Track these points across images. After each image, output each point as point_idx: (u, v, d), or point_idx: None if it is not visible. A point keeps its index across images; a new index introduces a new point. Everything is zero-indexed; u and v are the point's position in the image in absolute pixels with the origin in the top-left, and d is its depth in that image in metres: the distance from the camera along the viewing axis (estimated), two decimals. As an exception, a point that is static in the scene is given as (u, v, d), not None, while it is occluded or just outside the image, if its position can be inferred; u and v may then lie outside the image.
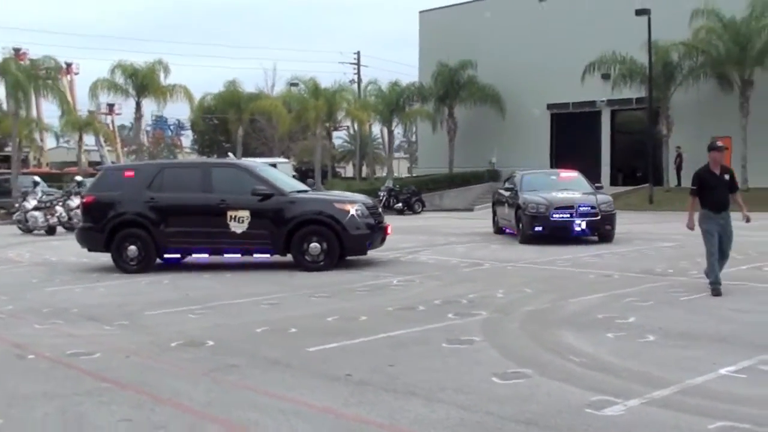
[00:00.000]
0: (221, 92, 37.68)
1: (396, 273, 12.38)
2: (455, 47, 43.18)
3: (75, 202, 23.35)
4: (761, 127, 32.62)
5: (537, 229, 16.31)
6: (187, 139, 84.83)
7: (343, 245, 12.88)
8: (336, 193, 15.81)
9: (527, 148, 42.29)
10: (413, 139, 75.61)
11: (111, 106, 62.71)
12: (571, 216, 16.20)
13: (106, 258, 14.51)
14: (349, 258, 13.44)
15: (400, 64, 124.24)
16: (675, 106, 35.55)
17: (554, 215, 16.22)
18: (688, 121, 35.81)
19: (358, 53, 67.74)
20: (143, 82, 33.72)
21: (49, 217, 22.47)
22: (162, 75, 34.06)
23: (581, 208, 16.23)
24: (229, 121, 41.46)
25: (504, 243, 17.18)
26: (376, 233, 13.28)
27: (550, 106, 42.18)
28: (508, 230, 18.95)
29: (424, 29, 48.19)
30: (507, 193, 18.12)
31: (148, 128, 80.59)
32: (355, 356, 6.93)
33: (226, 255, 13.41)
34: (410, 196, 34.81)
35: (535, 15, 42.17)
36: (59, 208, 22.79)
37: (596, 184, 18.23)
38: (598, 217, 16.21)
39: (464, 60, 42.36)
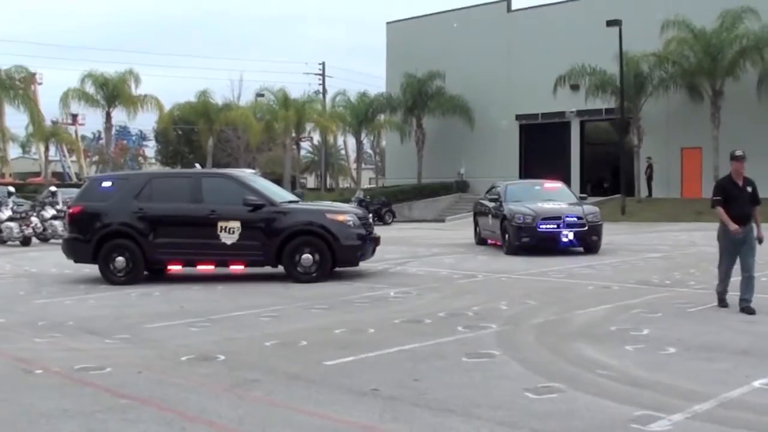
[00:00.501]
0: (191, 103, 37.23)
1: (390, 285, 12.24)
2: (423, 58, 43.25)
3: (49, 212, 22.86)
4: (732, 137, 33.05)
5: (524, 240, 16.30)
6: (149, 149, 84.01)
7: (336, 256, 12.72)
8: (327, 204, 15.63)
9: (496, 159, 42.52)
10: (377, 150, 75.54)
11: (74, 117, 61.71)
12: (558, 227, 16.22)
13: (89, 269, 14.20)
14: (338, 269, 13.27)
15: (365, 75, 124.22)
16: (645, 116, 35.96)
17: (541, 226, 16.22)
18: (657, 131, 36.31)
19: (323, 64, 67.71)
20: (114, 92, 33.17)
21: (24, 227, 21.93)
22: (133, 85, 33.57)
23: (568, 219, 16.26)
24: (196, 131, 41.01)
25: (490, 254, 17.14)
26: (368, 244, 13.14)
27: (518, 117, 42.42)
28: (490, 241, 18.93)
29: (391, 40, 48.20)
30: (491, 204, 18.09)
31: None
32: (375, 370, 6.77)
33: (214, 267, 13.13)
34: (381, 207, 34.73)
35: (503, 26, 42.46)
36: (34, 219, 22.27)
37: (580, 195, 18.26)
38: (585, 228, 16.26)
39: (432, 71, 42.46)
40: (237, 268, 13.15)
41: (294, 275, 12.61)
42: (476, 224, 19.95)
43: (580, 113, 40.21)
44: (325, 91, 59.63)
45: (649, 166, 36.75)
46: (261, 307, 10.26)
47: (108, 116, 34.56)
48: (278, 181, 54.92)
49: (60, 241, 22.36)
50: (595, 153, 42.56)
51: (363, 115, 43.74)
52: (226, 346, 7.92)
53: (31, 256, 18.98)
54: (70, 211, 13.34)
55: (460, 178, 43.44)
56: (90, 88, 33.31)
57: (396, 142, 45.53)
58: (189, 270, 13.66)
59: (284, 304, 10.52)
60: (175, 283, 13.03)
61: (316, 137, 60.22)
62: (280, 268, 12.95)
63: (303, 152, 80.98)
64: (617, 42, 33.42)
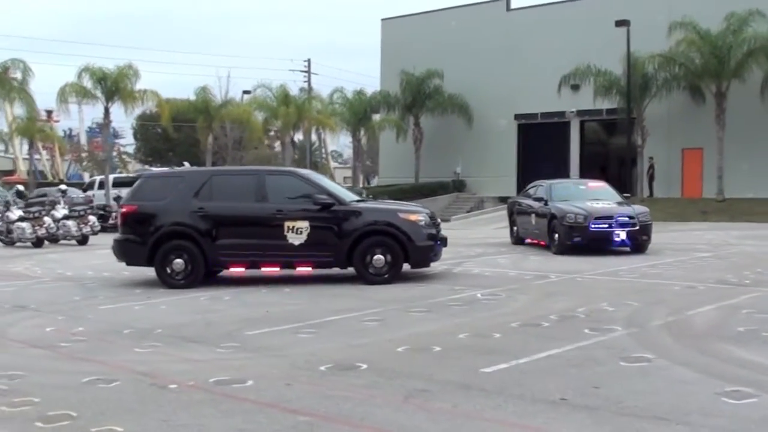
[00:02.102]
0: (189, 99, 36.43)
1: (469, 286, 11.76)
2: (419, 56, 42.83)
3: (60, 212, 22.06)
4: (736, 139, 33.16)
5: (576, 239, 15.94)
6: (129, 148, 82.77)
7: (409, 257, 12.24)
8: (396, 203, 15.06)
9: (494, 158, 42.28)
10: (359, 149, 74.81)
11: (49, 113, 60.14)
12: (610, 226, 15.88)
13: (129, 272, 13.70)
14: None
15: (349, 72, 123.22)
16: (647, 117, 35.91)
17: (593, 226, 15.87)
18: (659, 132, 36.26)
19: (309, 61, 67.21)
20: (112, 86, 32.28)
21: (37, 228, 21.12)
22: (132, 80, 32.68)
23: (620, 218, 15.94)
24: (179, 129, 40.17)
25: (538, 253, 16.73)
26: (439, 245, 12.67)
27: (517, 116, 42.13)
28: (528, 240, 18.57)
29: (386, 37, 47.68)
30: (534, 203, 17.66)
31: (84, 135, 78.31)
32: (542, 378, 6.34)
33: (286, 269, 12.57)
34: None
35: (502, 25, 42.18)
36: (47, 219, 21.45)
37: (624, 194, 17.95)
38: (637, 228, 15.95)
39: (431, 69, 42.06)
40: (304, 270, 12.60)
41: (365, 277, 12.11)
42: (513, 223, 19.54)
43: (580, 113, 40.07)
44: (310, 89, 58.98)
45: (651, 166, 36.71)
46: (354, 311, 9.75)
47: (107, 111, 33.61)
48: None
49: (72, 241, 21.85)
50: (595, 153, 42.45)
51: (362, 113, 43.15)
52: (356, 353, 7.42)
53: (52, 258, 18.23)
54: (123, 210, 12.66)
55: (456, 177, 43.11)
56: (87, 83, 32.36)
57: (391, 141, 45.01)
58: (230, 272, 13.05)
59: (376, 307, 10.00)
60: (232, 285, 12.43)
61: (298, 136, 59.33)
62: (325, 270, 12.40)
63: (278, 149, 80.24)
64: (618, 42, 33.40)
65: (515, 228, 19.36)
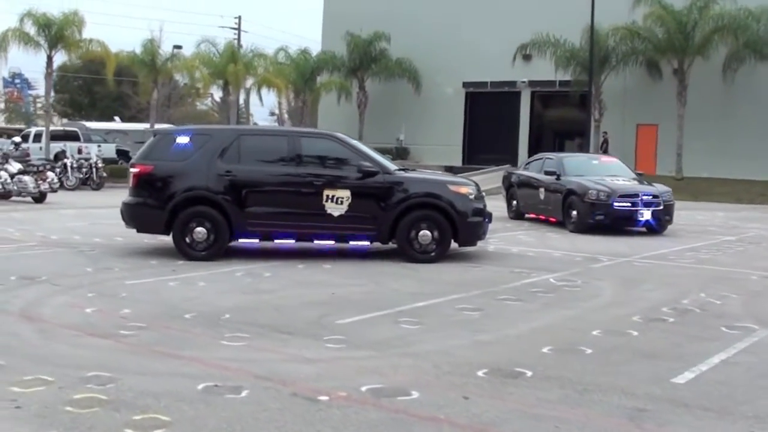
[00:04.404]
0: (134, 52, 33.94)
1: (529, 269, 10.66)
2: (365, 18, 41.07)
3: (15, 166, 20.07)
4: (693, 117, 33.09)
5: (598, 217, 15.12)
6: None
7: (458, 234, 11.12)
8: (444, 174, 13.82)
9: (440, 126, 41.20)
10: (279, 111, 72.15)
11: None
12: (634, 205, 15.11)
13: (123, 237, 12.21)
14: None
15: (283, 33, 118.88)
16: (604, 91, 35.58)
17: (616, 203, 15.07)
18: (614, 106, 36.04)
19: (239, 18, 64.54)
20: (57, 34, 29.73)
21: (40, 182, 19.26)
22: (78, 27, 30.13)
23: (645, 197, 15.17)
24: (138, 84, 37.82)
25: (554, 231, 15.79)
26: (487, 222, 11.59)
27: (466, 84, 41.16)
28: (530, 215, 17.70)
29: (330, -3, 45.79)
30: (544, 177, 16.71)
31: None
32: (746, 390, 5.42)
33: (316, 242, 11.29)
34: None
35: (455, -12, 40.92)
36: (50, 174, 19.63)
37: (637, 171, 17.26)
38: (661, 207, 15.23)
39: (378, 32, 40.45)
40: (341, 245, 11.33)
41: (409, 254, 10.95)
42: (512, 197, 18.57)
43: (532, 84, 39.50)
44: (240, 47, 56.53)
45: (605, 141, 36.43)
46: (434, 296, 8.61)
47: (50, 60, 30.98)
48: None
49: (29, 198, 19.85)
50: (546, 125, 42.03)
51: (309, 73, 41.42)
52: (495, 352, 6.35)
53: (17, 218, 16.30)
54: (137, 170, 11.05)
55: (399, 144, 41.97)
56: (30, 29, 29.71)
57: (332, 104, 43.18)
58: (243, 243, 11.64)
59: (453, 293, 8.85)
60: (253, 259, 10.99)
61: (218, 95, 56.36)
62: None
63: (204, 108, 77.07)
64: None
65: (514, 202, 18.41)
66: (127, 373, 5.53)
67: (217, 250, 10.85)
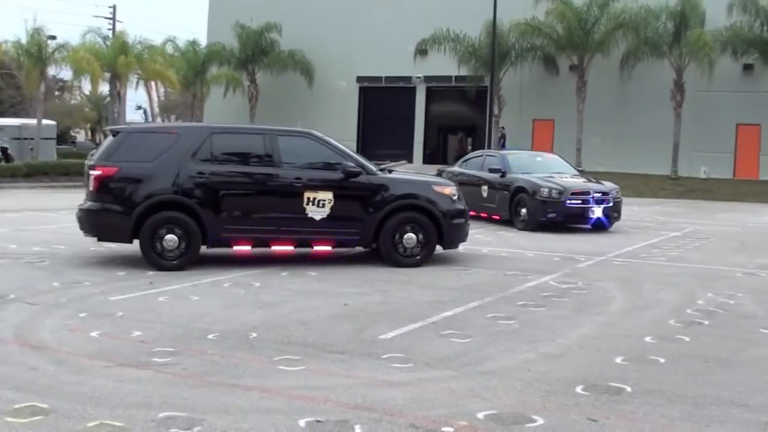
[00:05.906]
0: (19, 42, 31.60)
1: (521, 271, 10.42)
2: (254, 8, 40.02)
3: None
4: (589, 112, 34.00)
5: (550, 215, 15.09)
6: None
7: (443, 236, 10.72)
8: (426, 175, 13.25)
9: (334, 121, 40.59)
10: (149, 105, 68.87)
11: None
12: (585, 202, 15.16)
13: (65, 245, 11.19)
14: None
15: (162, 24, 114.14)
16: (502, 86, 36.07)
17: (569, 201, 15.08)
18: (512, 102, 36.68)
19: (114, 7, 61.82)
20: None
21: None
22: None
23: (596, 195, 15.26)
24: (14, 76, 35.35)
25: (504, 230, 15.63)
26: (467, 223, 11.25)
27: (360, 79, 40.89)
28: (470, 213, 17.46)
29: (216, -14, 44.36)
30: (487, 175, 16.55)
31: None
32: None
33: (293, 249, 10.57)
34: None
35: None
36: None
37: (578, 168, 17.37)
38: (611, 205, 15.36)
39: (269, 23, 39.52)
40: (322, 249, 10.67)
41: (393, 258, 10.46)
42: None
43: (427, 79, 39.66)
44: (114, 36, 54.04)
45: (503, 136, 36.97)
46: (454, 305, 8.18)
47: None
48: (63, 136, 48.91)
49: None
50: (442, 121, 42.24)
51: (200, 65, 39.95)
52: (572, 365, 6.00)
53: None
54: (99, 172, 10.01)
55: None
56: None
57: (218, 98, 41.73)
58: (224, 251, 10.83)
59: (470, 300, 8.44)
60: (226, 268, 10.17)
61: (87, 87, 53.50)
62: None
63: (73, 102, 73.13)
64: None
65: (454, 200, 18.14)
66: (205, 411, 4.83)
67: (190, 259, 10.01)
